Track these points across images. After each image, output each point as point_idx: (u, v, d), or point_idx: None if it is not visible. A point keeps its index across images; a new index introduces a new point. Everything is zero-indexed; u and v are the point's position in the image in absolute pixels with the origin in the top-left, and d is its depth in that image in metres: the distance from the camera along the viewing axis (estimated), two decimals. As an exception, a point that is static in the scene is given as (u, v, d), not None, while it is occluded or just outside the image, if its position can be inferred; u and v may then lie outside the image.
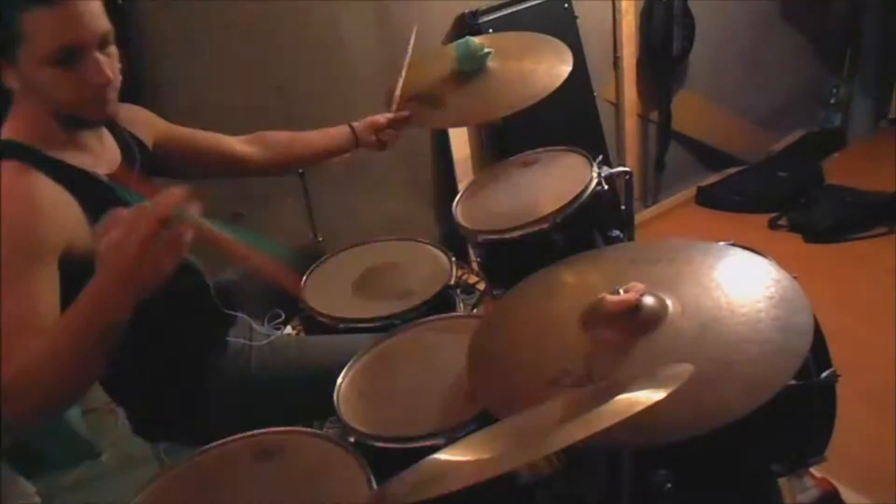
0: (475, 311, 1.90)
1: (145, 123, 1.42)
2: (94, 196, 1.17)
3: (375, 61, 2.41)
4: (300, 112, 2.33)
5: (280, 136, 1.66)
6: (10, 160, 1.12)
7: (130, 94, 1.34)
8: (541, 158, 1.85)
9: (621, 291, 1.02)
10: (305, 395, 1.39)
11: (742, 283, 1.05)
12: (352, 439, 1.16)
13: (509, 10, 2.56)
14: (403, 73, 1.67)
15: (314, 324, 1.63)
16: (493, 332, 1.19)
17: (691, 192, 3.38)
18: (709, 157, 3.41)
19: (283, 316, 1.54)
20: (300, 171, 2.06)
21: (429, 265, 1.71)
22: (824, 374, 1.12)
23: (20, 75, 1.11)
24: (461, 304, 1.67)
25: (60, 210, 1.11)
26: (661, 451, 1.08)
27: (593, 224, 1.64)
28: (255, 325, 1.52)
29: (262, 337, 1.50)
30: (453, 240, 2.01)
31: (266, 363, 1.47)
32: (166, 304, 1.27)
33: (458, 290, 1.67)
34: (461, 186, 2.58)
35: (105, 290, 0.93)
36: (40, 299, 1.03)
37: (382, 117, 1.68)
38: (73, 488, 2.13)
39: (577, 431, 0.71)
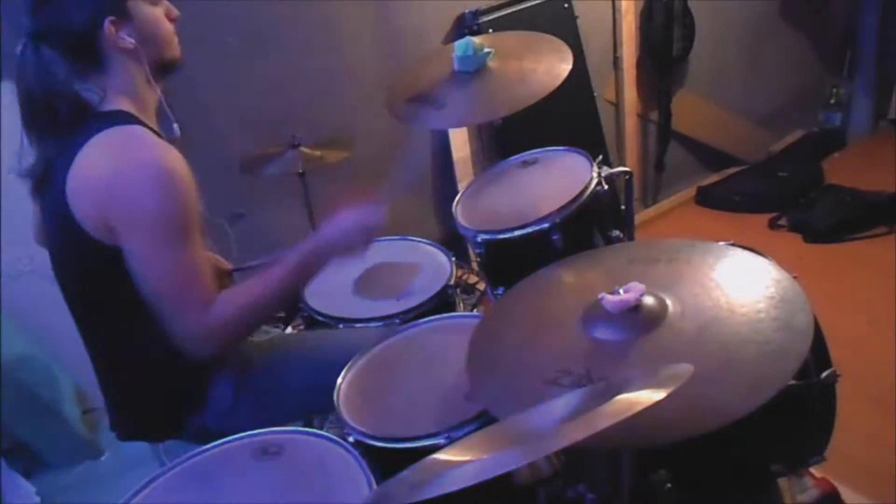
0: (475, 311, 1.90)
1: None
2: None
3: (375, 61, 2.41)
4: (300, 112, 2.33)
5: None
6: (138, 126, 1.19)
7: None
8: (541, 158, 1.85)
9: (621, 291, 1.02)
10: (306, 391, 1.39)
11: (742, 283, 1.05)
12: (352, 439, 1.16)
13: (509, 10, 2.56)
14: None
15: (314, 324, 1.64)
16: (493, 332, 1.19)
17: (691, 192, 3.38)
18: (709, 157, 3.41)
19: (288, 319, 1.54)
20: (300, 170, 2.06)
21: (429, 265, 1.71)
22: (824, 374, 1.12)
23: (136, 26, 1.18)
24: (461, 304, 1.67)
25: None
26: (661, 451, 1.08)
27: (593, 224, 1.64)
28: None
29: (263, 335, 1.50)
30: (453, 240, 2.01)
31: (266, 361, 1.47)
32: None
33: (458, 290, 1.68)
34: (461, 186, 2.58)
35: (330, 250, 1.32)
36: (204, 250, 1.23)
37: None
38: (73, 488, 2.13)
39: (577, 431, 0.71)
